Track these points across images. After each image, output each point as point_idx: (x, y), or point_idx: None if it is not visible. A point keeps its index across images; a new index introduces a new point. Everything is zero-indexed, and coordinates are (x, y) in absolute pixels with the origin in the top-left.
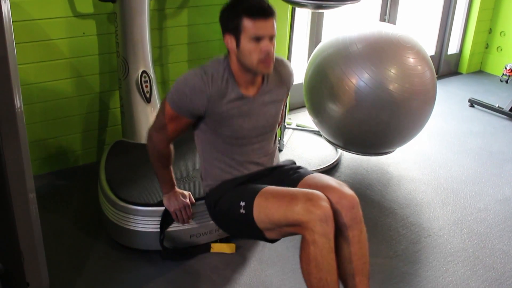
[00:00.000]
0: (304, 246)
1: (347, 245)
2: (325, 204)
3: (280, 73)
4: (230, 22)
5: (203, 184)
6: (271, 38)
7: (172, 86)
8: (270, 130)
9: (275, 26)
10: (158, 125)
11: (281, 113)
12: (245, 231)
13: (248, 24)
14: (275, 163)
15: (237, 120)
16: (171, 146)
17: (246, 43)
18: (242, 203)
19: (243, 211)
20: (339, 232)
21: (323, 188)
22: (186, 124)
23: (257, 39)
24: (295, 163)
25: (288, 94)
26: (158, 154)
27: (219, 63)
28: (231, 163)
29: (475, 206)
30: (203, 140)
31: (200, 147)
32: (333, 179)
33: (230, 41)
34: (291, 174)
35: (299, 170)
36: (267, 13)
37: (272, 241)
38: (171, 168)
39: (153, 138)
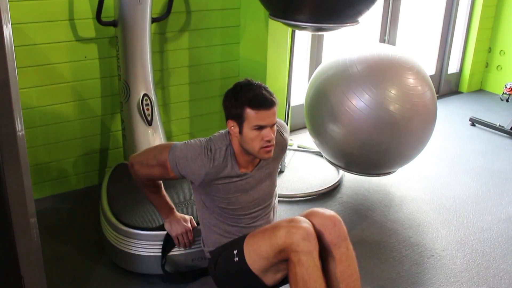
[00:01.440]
0: (291, 268)
1: (335, 264)
2: (306, 224)
3: (277, 145)
4: (233, 109)
5: (204, 250)
6: (273, 126)
7: (181, 142)
8: (269, 198)
9: (276, 112)
10: (144, 162)
11: (277, 177)
12: (245, 283)
13: (251, 114)
14: (272, 219)
15: (234, 195)
16: None
17: (249, 131)
18: (235, 251)
19: (237, 259)
20: (327, 252)
21: (306, 215)
22: (172, 178)
23: (259, 128)
24: None
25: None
26: (142, 183)
27: (222, 140)
28: (230, 229)
29: (478, 226)
30: (201, 204)
31: (199, 211)
32: (317, 208)
33: (233, 127)
34: None
35: None
36: (269, 104)
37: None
38: (164, 193)
39: (134, 169)
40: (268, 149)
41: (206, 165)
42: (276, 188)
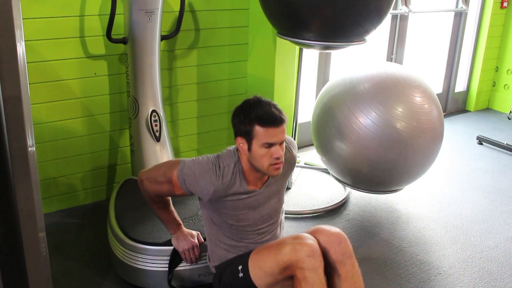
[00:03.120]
0: (296, 285)
1: (340, 282)
2: (311, 241)
3: (286, 161)
4: (242, 126)
5: (210, 265)
6: (282, 143)
7: (190, 159)
8: (276, 215)
9: (285, 130)
10: (153, 178)
11: (284, 193)
12: None
13: (260, 131)
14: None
15: (242, 212)
16: None
17: (257, 148)
18: (240, 267)
19: (242, 274)
20: (332, 270)
21: (311, 232)
22: (180, 195)
23: (269, 145)
24: None
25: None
26: (151, 199)
27: (231, 157)
28: (237, 245)
29: (485, 244)
30: (209, 220)
31: (206, 226)
32: (323, 225)
33: (242, 143)
34: None
35: None
36: (278, 122)
37: None
38: (172, 209)
39: (144, 185)
40: (277, 166)
41: (214, 182)
42: (284, 204)
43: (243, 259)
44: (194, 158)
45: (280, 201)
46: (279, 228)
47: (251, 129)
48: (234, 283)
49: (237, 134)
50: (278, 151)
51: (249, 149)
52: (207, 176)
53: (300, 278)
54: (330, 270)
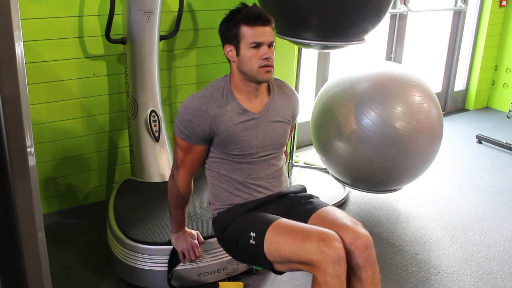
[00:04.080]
0: (315, 286)
1: (360, 285)
2: (339, 244)
3: (286, 93)
4: (229, 32)
5: (211, 209)
6: (270, 45)
7: (176, 117)
8: (278, 148)
9: (273, 34)
10: (177, 161)
11: (288, 137)
12: (253, 260)
13: (246, 31)
14: (284, 187)
15: (244, 136)
16: (192, 185)
17: (246, 50)
18: (253, 234)
19: (253, 242)
20: (352, 272)
21: (337, 226)
22: (201, 152)
23: (256, 45)
24: (305, 190)
25: (295, 122)
26: (178, 193)
27: (218, 80)
28: (240, 186)
29: (485, 243)
30: (212, 166)
31: (208, 174)
32: (348, 217)
33: (230, 51)
34: (303, 204)
35: (312, 200)
36: (264, 19)
37: (280, 273)
38: (185, 209)
39: (175, 176)
40: (267, 68)
41: (207, 110)
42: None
43: (258, 228)
44: (179, 108)
45: (283, 136)
46: (283, 174)
47: (237, 32)
48: (241, 243)
49: (224, 42)
50: (267, 51)
51: (238, 53)
52: (198, 110)
53: (321, 282)
54: (350, 271)
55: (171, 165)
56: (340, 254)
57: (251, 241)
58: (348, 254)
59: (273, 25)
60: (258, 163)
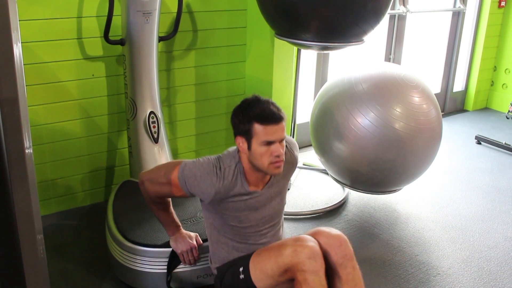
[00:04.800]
0: (297, 287)
1: (341, 284)
2: (312, 243)
3: (287, 162)
4: (241, 126)
5: (211, 266)
6: (281, 141)
7: (191, 160)
8: (278, 216)
9: (285, 128)
10: (154, 179)
11: (286, 195)
12: None
13: (259, 129)
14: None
15: (243, 213)
16: None
17: (257, 147)
18: (241, 269)
19: (242, 276)
20: (333, 272)
21: (312, 233)
22: (181, 196)
23: (268, 143)
24: None
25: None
26: (151, 200)
27: (232, 159)
28: (239, 246)
29: (485, 244)
30: (210, 221)
31: (207, 228)
32: (323, 226)
33: (242, 143)
34: None
35: None
36: (277, 118)
37: None
38: (172, 210)
39: (145, 185)
40: (277, 164)
41: (215, 184)
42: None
43: (244, 260)
44: (195, 159)
45: (282, 202)
46: (281, 229)
47: (250, 128)
48: (235, 284)
49: (236, 133)
50: (278, 149)
51: (249, 148)
52: (208, 178)
53: (301, 281)
54: (331, 272)
55: None
56: (315, 250)
57: (241, 276)
58: (326, 255)
59: (286, 120)
60: (258, 234)
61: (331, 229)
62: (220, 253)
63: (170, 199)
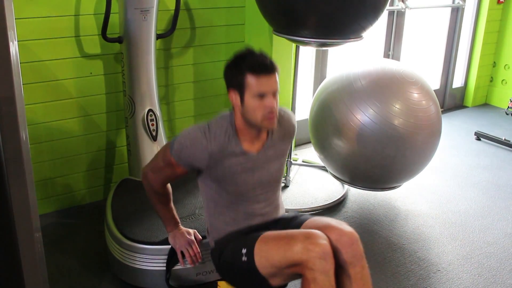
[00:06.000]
0: (305, 285)
1: (350, 282)
2: (324, 241)
3: (283, 127)
4: (234, 79)
5: (208, 239)
6: (274, 93)
7: (177, 135)
8: (275, 183)
9: (278, 81)
10: (155, 167)
11: (284, 165)
12: (249, 281)
13: (251, 80)
14: (280, 214)
15: (241, 176)
16: (168, 185)
17: (250, 100)
18: (244, 250)
19: (245, 259)
20: (341, 270)
21: (323, 227)
22: (182, 173)
23: (261, 95)
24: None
25: (291, 144)
26: (154, 192)
27: (223, 119)
28: (236, 216)
29: (484, 240)
30: (207, 194)
31: (205, 201)
32: (333, 219)
33: (235, 96)
34: (293, 221)
35: (301, 217)
36: (270, 69)
37: None
38: (172, 206)
39: (148, 177)
40: (271, 118)
41: (207, 146)
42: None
43: (248, 243)
44: (183, 130)
45: (280, 170)
46: (279, 198)
47: (242, 80)
48: (236, 264)
49: (229, 86)
50: (272, 102)
51: (242, 101)
52: (198, 143)
53: (310, 279)
54: (339, 270)
55: None
56: (326, 250)
57: (243, 258)
58: (336, 252)
59: (278, 72)
60: (255, 198)
61: (343, 225)
62: (218, 225)
63: (171, 195)
